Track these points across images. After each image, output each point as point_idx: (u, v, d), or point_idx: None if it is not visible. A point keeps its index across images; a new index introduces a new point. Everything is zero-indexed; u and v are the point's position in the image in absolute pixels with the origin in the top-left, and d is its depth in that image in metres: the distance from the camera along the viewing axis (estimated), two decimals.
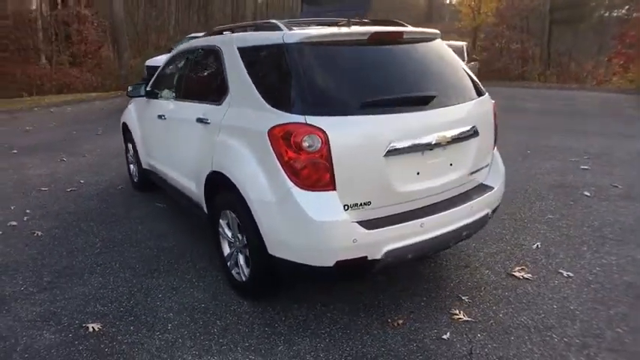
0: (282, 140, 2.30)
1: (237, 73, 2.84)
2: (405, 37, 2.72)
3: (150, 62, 11.34)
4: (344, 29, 2.66)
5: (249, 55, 2.80)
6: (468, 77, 2.94)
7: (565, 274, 3.14)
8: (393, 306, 2.81)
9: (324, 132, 2.24)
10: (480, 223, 2.80)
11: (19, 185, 5.39)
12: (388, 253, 2.37)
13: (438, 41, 2.98)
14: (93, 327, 2.67)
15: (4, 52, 16.70)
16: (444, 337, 2.51)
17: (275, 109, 2.41)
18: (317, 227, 2.28)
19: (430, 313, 2.74)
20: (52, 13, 18.15)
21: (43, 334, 2.62)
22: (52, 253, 3.64)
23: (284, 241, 2.42)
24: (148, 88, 4.35)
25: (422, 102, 2.54)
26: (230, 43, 3.03)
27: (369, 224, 2.36)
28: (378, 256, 2.36)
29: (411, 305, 2.82)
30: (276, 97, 2.46)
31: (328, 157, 2.25)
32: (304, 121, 2.27)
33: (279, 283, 2.78)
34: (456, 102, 2.70)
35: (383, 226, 2.37)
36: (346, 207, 2.33)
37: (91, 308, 2.87)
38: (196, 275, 3.24)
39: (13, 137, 8.19)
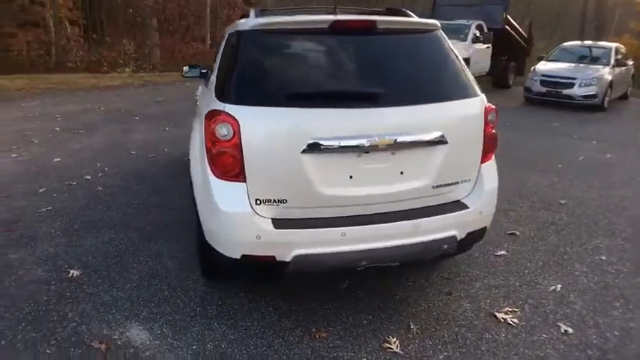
0: (207, 127, 2.29)
1: (217, 57, 2.89)
2: (380, 27, 2.43)
3: None
4: (304, 17, 2.50)
5: (227, 40, 2.82)
6: (455, 77, 2.52)
7: (563, 328, 2.53)
8: (332, 317, 2.62)
9: (236, 121, 2.16)
10: (440, 246, 2.40)
11: (117, 146, 6.29)
12: (298, 258, 2.21)
13: (433, 34, 2.60)
14: (74, 273, 3.04)
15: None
16: None
17: (214, 94, 2.41)
18: (223, 217, 2.25)
19: (364, 334, 2.48)
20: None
21: (36, 270, 3.07)
22: (96, 206, 4.20)
23: (207, 228, 2.43)
24: (202, 70, 4.65)
25: (365, 99, 2.27)
26: (230, 29, 3.08)
27: (280, 223, 2.23)
28: (288, 259, 2.22)
29: (350, 320, 2.59)
30: (220, 83, 2.45)
31: (239, 147, 2.17)
32: (222, 109, 2.22)
33: (216, 268, 2.77)
34: (417, 102, 2.34)
35: (294, 228, 2.21)
36: (258, 201, 2.24)
37: (85, 257, 3.26)
38: (184, 247, 3.42)
39: (143, 106, 9.52)
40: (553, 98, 10.10)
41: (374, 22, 2.41)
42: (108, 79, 14.03)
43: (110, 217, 3.94)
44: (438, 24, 2.63)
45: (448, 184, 2.44)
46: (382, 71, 2.41)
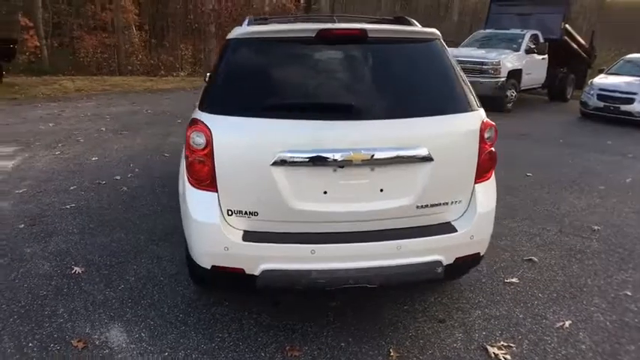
0: (186, 135, 2.28)
1: None
2: (371, 35, 2.32)
3: None
4: (292, 26, 2.43)
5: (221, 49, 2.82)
6: (450, 90, 2.36)
7: None
8: (312, 336, 2.53)
9: (209, 130, 2.14)
10: (423, 271, 2.25)
11: (153, 149, 6.52)
12: (266, 272, 2.15)
13: (430, 44, 2.45)
14: (77, 270, 3.15)
15: None
16: None
17: (198, 103, 2.40)
18: (194, 226, 2.23)
19: (338, 357, 2.37)
20: None
21: (44, 265, 3.22)
22: (116, 206, 4.35)
23: (185, 236, 2.42)
24: None
25: (342, 111, 2.17)
26: None
27: (250, 236, 2.19)
28: (256, 273, 2.16)
29: (328, 341, 2.49)
30: (203, 92, 2.44)
31: (211, 157, 2.14)
32: (199, 118, 2.21)
33: (195, 277, 2.73)
34: (401, 116, 2.21)
35: (263, 242, 2.15)
36: (230, 212, 2.20)
37: (92, 256, 3.37)
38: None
39: (188, 110, 9.82)
40: (611, 114, 9.36)
41: (362, 30, 2.30)
42: (162, 82, 14.68)
43: (126, 218, 4.06)
44: (437, 33, 2.47)
45: (435, 205, 2.28)
46: (366, 82, 2.31)
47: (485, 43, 11.18)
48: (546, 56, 11.24)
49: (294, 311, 2.73)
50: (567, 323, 2.66)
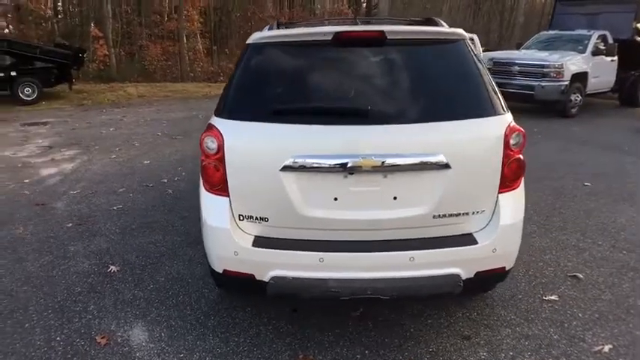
0: (200, 140, 2.31)
1: None
2: (390, 37, 2.24)
3: None
4: (310, 29, 2.40)
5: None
6: (473, 93, 2.23)
7: None
8: (327, 345, 2.48)
9: (221, 135, 2.16)
10: (438, 284, 2.13)
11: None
12: (275, 279, 2.13)
13: (454, 45, 2.32)
14: (112, 269, 3.30)
15: None
16: None
17: (215, 108, 2.43)
18: (207, 230, 2.26)
19: None
20: None
21: (84, 263, 3.40)
22: (159, 208, 4.52)
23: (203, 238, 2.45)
24: None
25: (354, 115, 2.10)
26: None
27: (260, 241, 2.18)
28: (266, 279, 2.15)
29: (344, 352, 2.43)
30: (221, 97, 2.46)
31: (222, 162, 2.16)
32: (213, 123, 2.23)
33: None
34: (416, 121, 2.11)
35: (272, 248, 2.14)
36: (241, 217, 2.20)
37: (128, 255, 3.52)
38: None
39: None
40: None
41: (381, 32, 2.22)
42: (220, 88, 15.17)
43: (166, 220, 4.21)
44: (462, 33, 2.34)
45: (454, 215, 2.15)
46: (382, 86, 2.23)
47: (549, 44, 10.55)
48: (616, 58, 10.42)
49: (312, 319, 2.69)
50: (607, 348, 2.42)
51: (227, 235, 2.18)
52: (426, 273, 2.09)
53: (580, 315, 2.73)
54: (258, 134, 2.15)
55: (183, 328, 2.63)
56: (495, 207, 2.19)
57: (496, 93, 2.27)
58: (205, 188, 2.28)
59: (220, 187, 2.20)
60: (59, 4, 23.49)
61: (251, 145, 2.16)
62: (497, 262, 2.20)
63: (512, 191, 2.24)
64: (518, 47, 11.14)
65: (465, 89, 2.24)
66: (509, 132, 2.16)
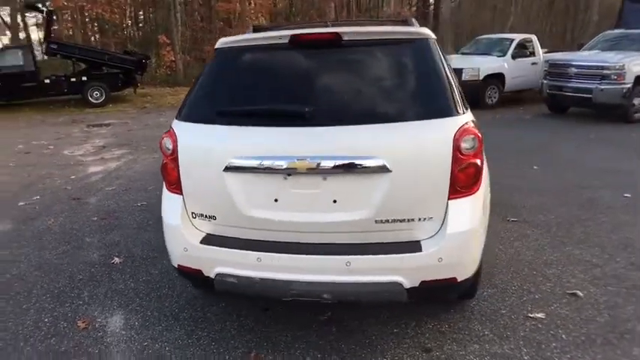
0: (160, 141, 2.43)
1: None
2: (346, 38, 2.22)
3: None
4: (268, 33, 2.43)
5: None
6: (427, 94, 2.15)
7: None
8: (283, 346, 2.49)
9: (175, 136, 2.26)
10: (379, 291, 2.08)
11: None
12: (220, 276, 2.20)
13: (415, 44, 2.25)
14: (116, 260, 3.55)
15: None
16: None
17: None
18: (164, 226, 2.37)
19: None
20: None
21: (94, 254, 3.68)
22: None
23: None
24: None
25: (295, 117, 2.11)
26: None
27: (208, 239, 2.25)
28: (212, 275, 2.22)
29: (297, 354, 2.42)
30: (183, 100, 2.54)
31: (176, 161, 2.26)
32: (172, 125, 2.34)
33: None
34: (356, 122, 2.07)
35: (216, 245, 2.20)
36: (194, 215, 2.29)
37: (135, 248, 3.76)
38: None
39: None
40: None
41: (336, 34, 2.22)
42: None
43: None
44: (425, 32, 2.27)
45: (398, 221, 2.08)
46: (331, 88, 2.22)
47: (614, 45, 9.67)
48: None
49: (280, 319, 2.71)
50: None
51: (178, 232, 2.28)
52: (363, 279, 2.04)
53: (563, 336, 2.51)
54: (205, 135, 2.24)
55: (156, 319, 2.77)
56: (445, 214, 2.09)
57: (455, 95, 2.16)
58: (166, 187, 2.40)
59: (176, 186, 2.31)
60: (140, 13, 25.46)
61: (199, 145, 2.25)
62: (445, 272, 2.09)
63: (466, 198, 2.12)
64: (579, 48, 10.35)
65: (416, 90, 2.17)
66: (459, 135, 2.05)
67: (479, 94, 10.28)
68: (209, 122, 2.24)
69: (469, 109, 2.33)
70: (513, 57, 10.65)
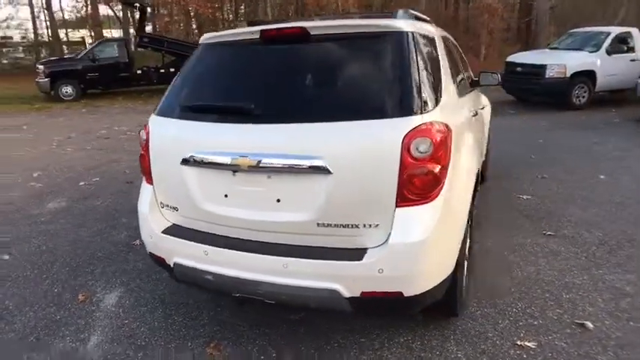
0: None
1: None
2: (314, 33, 2.15)
3: (511, 58, 10.89)
4: (245, 28, 2.42)
5: None
6: (385, 91, 2.02)
7: None
8: (243, 340, 2.51)
9: (148, 129, 2.37)
10: (317, 297, 2.01)
11: None
12: (177, 266, 2.27)
13: (385, 39, 2.11)
14: (137, 242, 3.79)
15: None
16: None
17: None
18: (138, 215, 2.49)
19: None
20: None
21: (122, 234, 4.00)
22: None
23: None
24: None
25: (245, 114, 2.09)
26: None
27: (170, 229, 2.34)
28: (171, 264, 2.30)
29: (250, 349, 2.42)
30: None
31: (148, 153, 2.37)
32: (149, 118, 2.45)
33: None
34: (302, 120, 2.01)
35: (173, 236, 2.28)
36: (162, 205, 2.40)
37: None
38: None
39: None
40: None
41: (303, 29, 2.16)
42: None
43: None
44: (395, 26, 2.11)
45: (341, 226, 1.98)
46: (288, 84, 2.17)
47: None
48: None
49: (252, 316, 2.72)
50: None
51: (146, 220, 2.40)
52: (299, 283, 1.97)
53: None
54: (169, 130, 2.32)
55: (146, 300, 2.94)
56: (393, 222, 1.94)
57: (421, 93, 1.98)
58: (143, 176, 2.53)
59: (148, 176, 2.42)
60: (241, 7, 26.86)
61: (164, 139, 2.34)
62: (389, 285, 1.94)
63: (419, 206, 1.94)
64: None
65: (372, 88, 2.04)
66: (409, 138, 1.88)
67: (565, 93, 9.33)
68: (174, 117, 2.33)
69: (447, 108, 2.14)
70: (608, 53, 9.47)
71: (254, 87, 2.22)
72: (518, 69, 9.94)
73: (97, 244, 3.77)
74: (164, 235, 2.31)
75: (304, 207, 2.02)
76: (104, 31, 28.69)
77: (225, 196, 2.16)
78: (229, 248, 2.12)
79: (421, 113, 1.94)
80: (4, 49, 26.65)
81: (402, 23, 2.16)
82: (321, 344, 2.46)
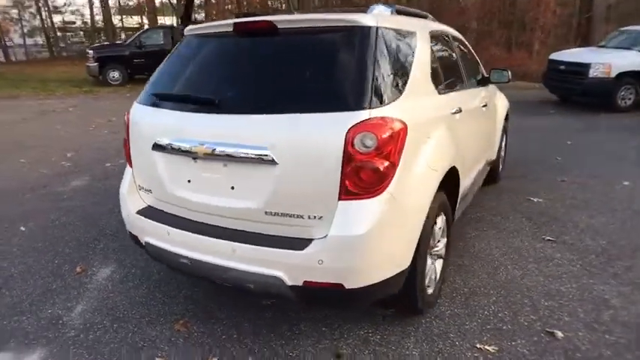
0: None
1: None
2: (282, 27, 2.22)
3: (554, 56, 10.40)
4: (221, 22, 2.50)
5: None
6: (334, 85, 2.06)
7: None
8: (213, 321, 2.63)
9: (129, 115, 2.53)
10: (262, 283, 2.10)
11: None
12: (147, 245, 2.43)
13: (346, 34, 2.14)
14: None
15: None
16: None
17: None
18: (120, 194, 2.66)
19: (205, 345, 2.42)
20: None
21: None
22: None
23: None
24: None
25: (206, 104, 2.20)
26: None
27: (144, 210, 2.49)
28: (143, 242, 2.45)
29: (217, 330, 2.54)
30: None
31: (128, 137, 2.52)
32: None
33: None
34: (253, 112, 2.10)
35: (144, 216, 2.42)
36: (140, 187, 2.56)
37: None
38: None
39: None
40: None
41: (269, 23, 2.23)
42: None
43: None
44: (360, 21, 2.13)
45: (287, 215, 2.04)
46: (247, 76, 2.26)
47: None
48: None
49: (225, 299, 2.81)
50: None
51: (124, 201, 2.57)
52: (245, 267, 2.06)
53: None
54: (144, 116, 2.48)
55: (135, 276, 3.13)
56: (335, 216, 1.97)
57: (372, 87, 1.99)
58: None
59: (129, 159, 2.58)
60: None
61: (140, 125, 2.49)
62: (329, 276, 1.98)
63: (364, 200, 1.96)
64: None
65: (325, 82, 2.08)
66: (353, 132, 1.91)
67: (609, 94, 8.79)
68: (149, 104, 2.48)
69: (406, 104, 2.14)
70: None
71: (220, 78, 2.33)
72: (561, 67, 9.46)
73: (107, 222, 4.02)
74: (137, 216, 2.47)
75: (254, 195, 2.10)
76: (159, 18, 29.83)
77: (189, 181, 2.28)
78: (187, 230, 2.24)
79: (370, 108, 1.95)
80: (66, 34, 28.40)
81: (368, 18, 2.17)
82: (283, 330, 2.54)
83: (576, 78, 9.00)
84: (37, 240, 3.68)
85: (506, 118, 5.02)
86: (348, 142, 1.91)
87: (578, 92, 9.25)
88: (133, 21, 32.38)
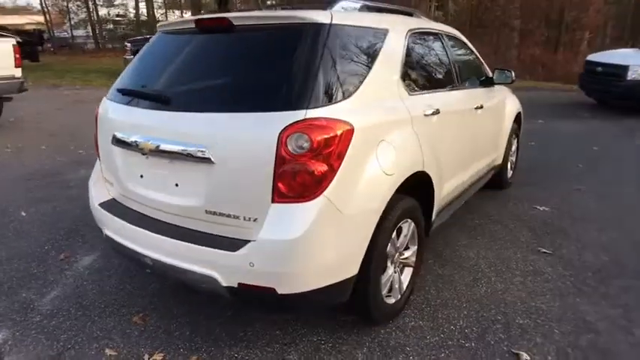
0: None
1: None
2: (237, 23, 2.19)
3: (592, 57, 9.83)
4: (190, 17, 2.49)
5: None
6: (274, 84, 2.01)
7: None
8: (168, 316, 2.64)
9: (98, 110, 2.57)
10: (198, 281, 2.09)
11: None
12: (107, 239, 2.46)
13: (294, 31, 2.09)
14: None
15: None
16: None
17: None
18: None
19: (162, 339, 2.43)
20: None
21: None
22: None
23: None
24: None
25: (155, 100, 2.22)
26: None
27: (106, 203, 2.53)
28: (105, 235, 2.49)
29: (171, 326, 2.54)
30: None
31: (97, 130, 2.57)
32: None
33: None
34: (194, 110, 2.10)
35: (104, 209, 2.47)
36: (106, 179, 2.59)
37: None
38: None
39: None
40: None
41: (224, 20, 2.20)
42: None
43: None
44: (313, 18, 2.07)
45: (224, 215, 2.00)
46: (198, 73, 2.27)
47: None
48: None
49: (186, 294, 2.81)
50: None
51: (90, 192, 2.62)
52: (184, 265, 2.05)
53: None
54: (108, 111, 2.53)
55: (112, 266, 3.19)
56: (266, 218, 1.92)
57: (314, 86, 1.92)
58: None
59: (97, 152, 2.64)
60: None
61: (104, 119, 2.54)
62: (261, 280, 1.93)
63: (299, 204, 1.89)
64: None
65: (269, 80, 2.03)
66: (287, 133, 1.84)
67: None
68: (114, 100, 2.53)
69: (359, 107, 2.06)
70: None
71: (176, 75, 2.34)
72: (599, 69, 8.90)
73: None
74: (99, 208, 2.51)
75: (195, 193, 2.09)
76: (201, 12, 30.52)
77: (141, 176, 2.30)
78: (135, 225, 2.27)
79: (307, 108, 1.88)
80: (112, 26, 29.64)
81: (321, 15, 2.10)
82: (237, 330, 2.51)
83: (614, 80, 8.46)
84: (33, 225, 3.84)
85: (517, 121, 4.76)
86: (281, 144, 1.85)
87: (615, 95, 8.70)
88: (175, 15, 33.33)
